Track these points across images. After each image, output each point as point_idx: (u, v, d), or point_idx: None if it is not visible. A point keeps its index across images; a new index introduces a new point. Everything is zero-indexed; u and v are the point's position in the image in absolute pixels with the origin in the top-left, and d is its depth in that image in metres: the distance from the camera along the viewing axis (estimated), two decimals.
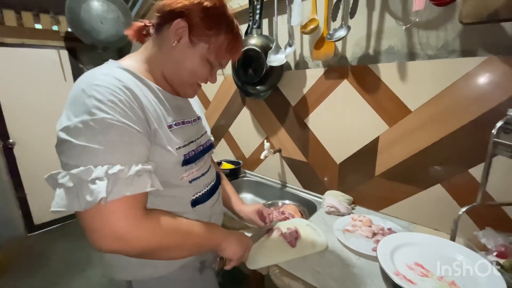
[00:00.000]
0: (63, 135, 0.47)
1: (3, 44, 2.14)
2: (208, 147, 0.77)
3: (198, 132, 0.74)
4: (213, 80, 0.70)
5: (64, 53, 2.43)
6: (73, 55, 2.48)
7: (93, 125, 0.46)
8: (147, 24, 0.66)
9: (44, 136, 2.39)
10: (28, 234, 2.49)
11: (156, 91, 0.62)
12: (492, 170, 0.76)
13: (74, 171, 0.45)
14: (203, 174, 0.72)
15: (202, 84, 0.71)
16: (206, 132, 0.80)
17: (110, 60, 0.61)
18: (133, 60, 0.64)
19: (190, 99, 0.77)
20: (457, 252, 0.77)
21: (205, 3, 0.60)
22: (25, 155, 2.36)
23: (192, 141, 0.68)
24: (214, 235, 0.68)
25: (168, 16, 0.60)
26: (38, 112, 2.36)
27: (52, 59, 2.38)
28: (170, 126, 0.62)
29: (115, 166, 0.47)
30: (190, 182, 0.67)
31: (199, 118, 0.77)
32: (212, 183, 0.77)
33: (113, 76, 0.52)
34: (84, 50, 2.50)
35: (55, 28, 2.36)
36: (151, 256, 0.56)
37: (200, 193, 0.71)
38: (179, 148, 0.62)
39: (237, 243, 0.72)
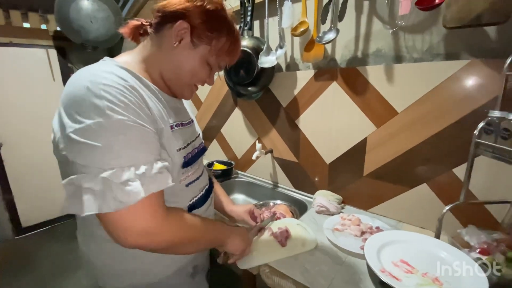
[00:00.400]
0: (76, 137, 0.46)
1: None
2: (202, 150, 0.77)
3: (193, 134, 0.74)
4: (211, 82, 0.71)
5: (53, 53, 2.39)
6: (62, 54, 2.45)
7: (111, 127, 0.47)
8: (144, 23, 0.65)
9: (32, 137, 2.34)
10: (16, 237, 2.44)
11: (155, 91, 0.61)
12: (474, 169, 0.79)
13: (104, 174, 0.46)
14: (198, 178, 0.73)
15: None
16: (199, 134, 0.80)
17: (106, 58, 0.60)
18: (130, 59, 0.63)
19: (183, 102, 0.78)
20: (441, 249, 0.79)
21: (207, 6, 0.60)
22: (12, 157, 2.31)
23: (189, 143, 0.69)
24: (221, 230, 0.72)
25: (169, 17, 0.60)
26: (26, 112, 2.31)
27: (41, 58, 2.34)
28: (171, 127, 0.62)
29: (141, 166, 0.49)
30: (186, 186, 0.68)
31: (192, 121, 0.78)
32: (206, 186, 0.78)
33: (116, 75, 0.52)
34: (74, 50, 2.47)
35: (43, 27, 2.32)
36: (171, 251, 0.59)
37: (196, 198, 0.71)
38: (180, 149, 0.62)
39: (240, 238, 0.76)
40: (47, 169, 2.33)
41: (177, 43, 0.60)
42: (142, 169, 0.49)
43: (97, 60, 0.59)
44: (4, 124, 2.24)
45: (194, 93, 0.72)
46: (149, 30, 0.64)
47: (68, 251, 2.20)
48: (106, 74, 0.51)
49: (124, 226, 0.49)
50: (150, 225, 0.51)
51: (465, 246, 0.80)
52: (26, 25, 2.24)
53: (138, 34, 0.67)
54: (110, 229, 0.50)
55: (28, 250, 2.30)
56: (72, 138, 0.46)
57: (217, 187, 0.99)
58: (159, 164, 0.52)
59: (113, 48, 2.48)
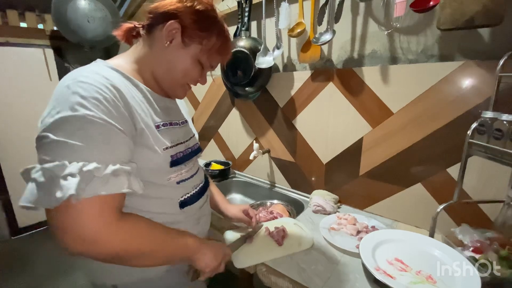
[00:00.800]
0: (42, 131, 0.47)
1: None
2: (196, 150, 0.78)
3: (186, 134, 0.75)
4: (203, 81, 0.72)
5: (50, 52, 2.38)
6: (59, 54, 2.43)
7: (73, 121, 0.45)
8: (137, 25, 0.67)
9: (29, 137, 2.30)
10: (12, 237, 2.42)
11: (144, 91, 0.62)
12: (468, 169, 0.80)
13: (46, 165, 0.44)
14: (191, 176, 0.73)
15: (192, 86, 0.72)
16: (194, 135, 0.81)
17: (98, 60, 0.61)
18: (122, 60, 0.64)
19: (178, 103, 0.78)
20: (435, 247, 0.81)
21: (197, 7, 0.62)
22: (8, 156, 2.29)
23: (181, 143, 0.69)
24: (188, 244, 0.64)
25: (160, 18, 0.61)
26: (22, 111, 2.30)
27: (38, 58, 2.32)
28: (157, 126, 0.62)
29: (91, 163, 0.45)
30: (177, 183, 0.68)
31: (186, 121, 0.78)
32: (201, 184, 0.78)
33: (100, 74, 0.52)
34: (70, 49, 2.46)
35: (40, 26, 2.31)
36: (120, 262, 0.54)
37: (189, 195, 0.71)
38: (166, 148, 0.63)
39: (211, 254, 0.68)
40: None
41: (168, 42, 0.62)
42: (91, 166, 0.45)
43: (93, 60, 0.61)
44: (1, 123, 2.23)
45: (188, 92, 0.74)
46: (141, 32, 0.66)
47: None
48: (90, 74, 0.51)
49: (62, 227, 0.46)
50: (92, 231, 0.46)
51: (458, 244, 0.81)
52: (23, 24, 2.23)
53: (131, 36, 0.68)
54: (52, 229, 0.46)
55: (25, 250, 2.28)
56: (38, 132, 0.47)
57: (213, 187, 1.00)
58: (116, 166, 0.48)
59: (110, 48, 2.47)
